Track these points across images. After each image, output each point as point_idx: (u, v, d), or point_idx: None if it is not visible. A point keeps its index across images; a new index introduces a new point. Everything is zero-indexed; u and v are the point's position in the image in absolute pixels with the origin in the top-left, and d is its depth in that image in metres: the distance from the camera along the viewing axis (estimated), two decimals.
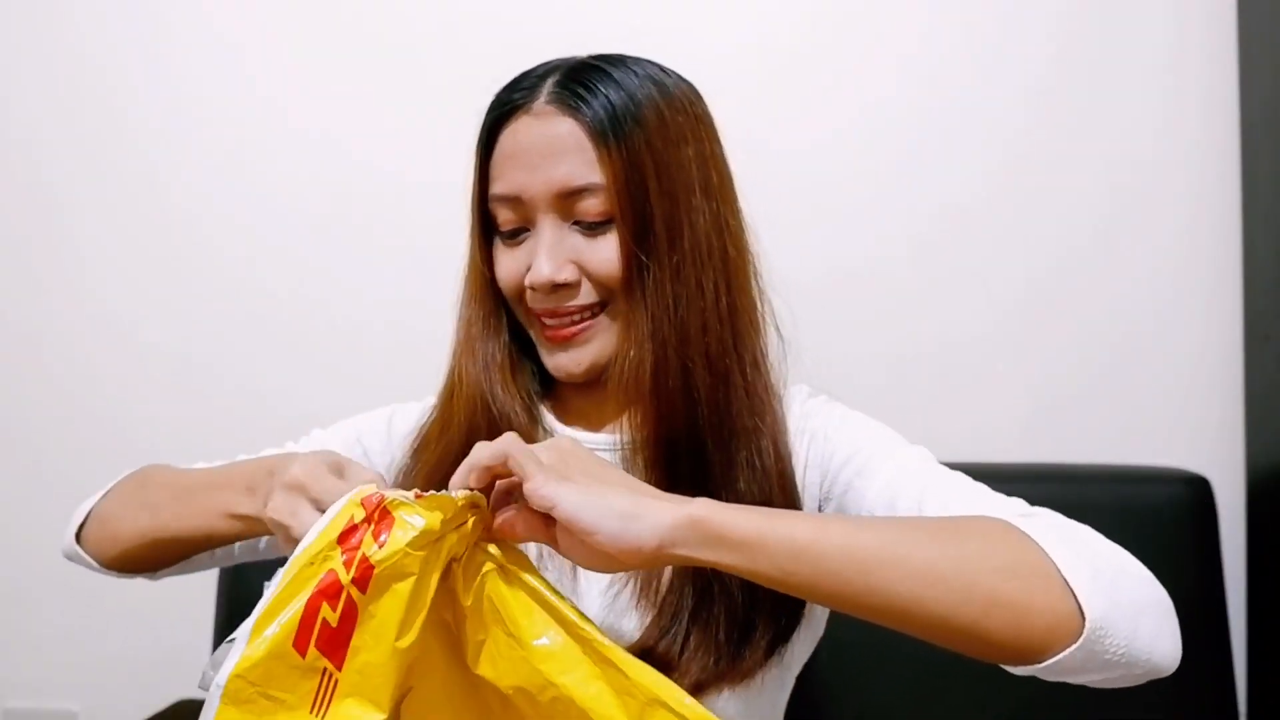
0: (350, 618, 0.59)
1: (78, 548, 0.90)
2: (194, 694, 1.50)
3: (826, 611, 0.87)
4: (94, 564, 0.89)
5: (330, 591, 0.59)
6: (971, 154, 1.46)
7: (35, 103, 1.62)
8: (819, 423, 0.87)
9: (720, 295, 0.82)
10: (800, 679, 0.90)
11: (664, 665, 0.75)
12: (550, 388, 0.91)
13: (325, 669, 0.59)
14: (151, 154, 1.60)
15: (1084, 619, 0.61)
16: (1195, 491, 1.28)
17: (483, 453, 0.65)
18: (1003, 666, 0.65)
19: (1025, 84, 1.45)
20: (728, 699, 0.81)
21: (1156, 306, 1.44)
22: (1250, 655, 1.38)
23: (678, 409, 0.81)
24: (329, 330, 1.56)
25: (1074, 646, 0.61)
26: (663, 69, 0.86)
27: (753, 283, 0.86)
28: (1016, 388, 1.46)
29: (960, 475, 0.79)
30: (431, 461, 0.87)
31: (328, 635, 0.59)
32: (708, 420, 0.81)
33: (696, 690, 0.77)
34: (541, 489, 0.62)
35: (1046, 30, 1.45)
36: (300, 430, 0.99)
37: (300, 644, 0.59)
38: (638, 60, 0.85)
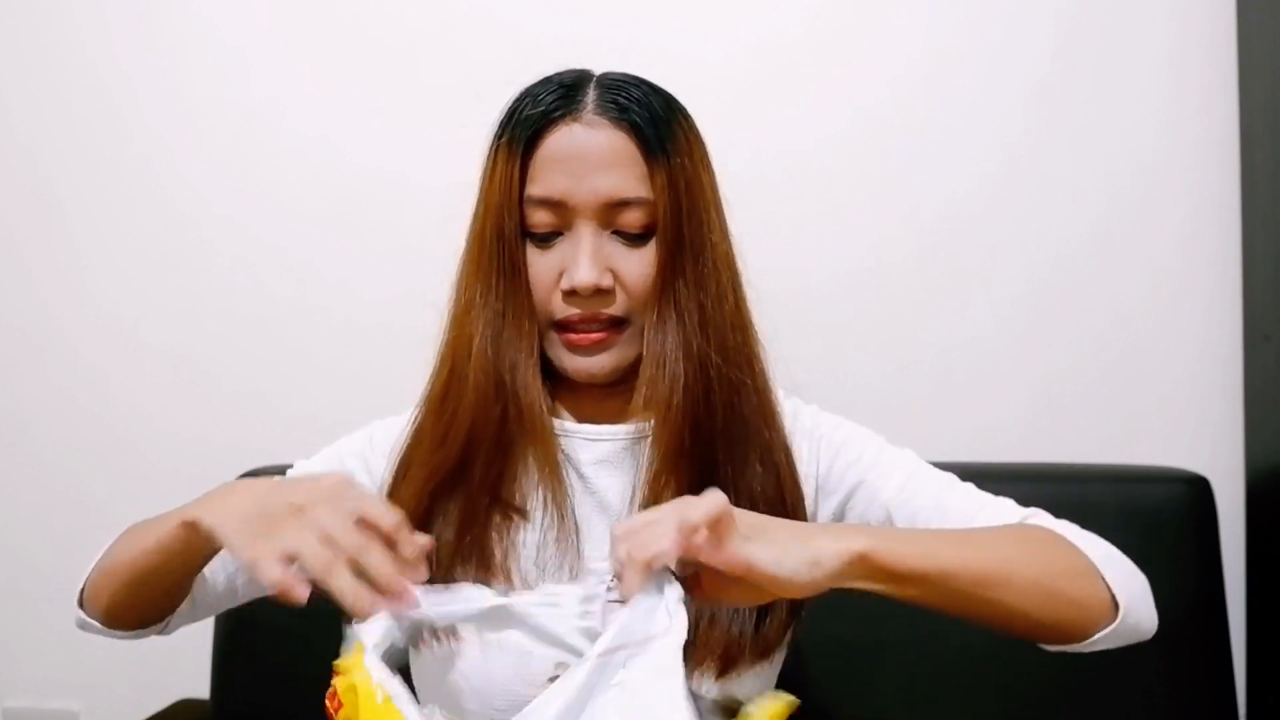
0: None
1: (83, 614, 0.89)
2: (194, 694, 1.50)
3: None
4: (100, 627, 0.89)
5: None
6: (971, 154, 1.46)
7: (35, 103, 1.62)
8: (809, 424, 0.92)
9: (733, 304, 0.87)
10: (801, 678, 0.91)
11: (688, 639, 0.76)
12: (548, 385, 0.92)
13: None
14: (151, 154, 1.60)
15: (1118, 607, 0.77)
16: (1195, 491, 1.28)
17: (695, 513, 0.65)
18: (1042, 646, 0.79)
19: (1025, 84, 1.45)
20: (750, 677, 0.84)
21: (1156, 306, 1.44)
22: (1250, 655, 1.38)
23: (702, 411, 0.84)
24: (329, 330, 1.56)
25: (1111, 628, 0.77)
26: (662, 88, 0.89)
27: (746, 290, 0.90)
28: (1017, 388, 1.46)
29: (950, 475, 0.90)
30: (430, 466, 0.86)
31: None
32: (726, 421, 0.85)
33: (724, 668, 0.81)
34: (739, 553, 0.66)
35: (1046, 30, 1.45)
36: (296, 429, 0.99)
37: None
38: (645, 79, 0.87)
